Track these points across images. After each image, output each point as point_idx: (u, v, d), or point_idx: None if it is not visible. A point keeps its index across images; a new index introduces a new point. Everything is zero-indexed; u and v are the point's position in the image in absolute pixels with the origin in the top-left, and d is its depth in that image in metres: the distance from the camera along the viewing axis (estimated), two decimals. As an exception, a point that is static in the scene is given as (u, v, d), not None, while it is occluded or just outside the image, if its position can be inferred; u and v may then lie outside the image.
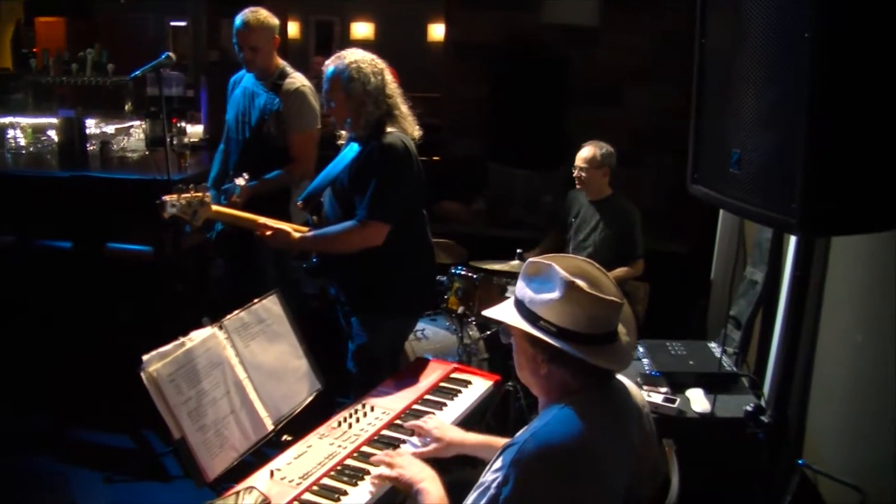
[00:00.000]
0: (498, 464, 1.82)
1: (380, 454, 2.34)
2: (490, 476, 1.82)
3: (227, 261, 4.57)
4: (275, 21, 4.08)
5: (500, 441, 2.28)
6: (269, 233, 3.24)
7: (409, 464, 2.23)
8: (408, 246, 3.28)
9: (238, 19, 4.00)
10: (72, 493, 3.75)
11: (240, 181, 3.71)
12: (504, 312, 1.99)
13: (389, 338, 3.41)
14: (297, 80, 4.10)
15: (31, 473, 3.90)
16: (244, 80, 4.23)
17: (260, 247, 3.52)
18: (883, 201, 2.05)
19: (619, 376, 2.03)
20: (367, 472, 2.32)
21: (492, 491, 1.79)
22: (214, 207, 3.29)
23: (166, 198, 3.12)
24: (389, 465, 2.24)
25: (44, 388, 4.60)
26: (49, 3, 9.00)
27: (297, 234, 3.25)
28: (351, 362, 3.35)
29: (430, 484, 2.12)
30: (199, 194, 3.19)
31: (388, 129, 3.17)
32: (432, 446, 2.42)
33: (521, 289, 1.96)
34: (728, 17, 2.28)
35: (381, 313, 3.31)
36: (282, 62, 4.16)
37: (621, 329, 1.96)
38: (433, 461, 2.34)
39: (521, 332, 1.93)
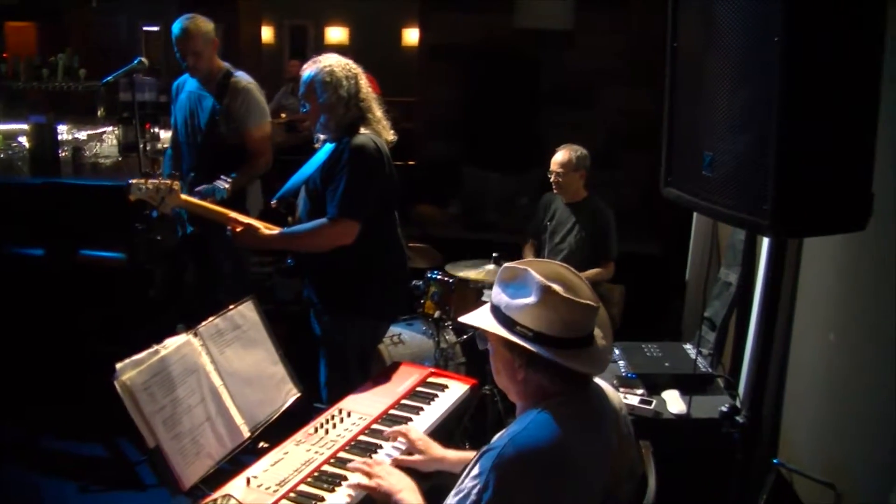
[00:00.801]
0: (476, 469, 1.82)
1: (358, 461, 2.32)
2: (469, 482, 1.82)
3: (193, 264, 4.58)
4: (211, 24, 4.13)
5: None
6: (238, 228, 3.26)
7: (387, 473, 2.22)
8: (379, 247, 3.30)
9: (176, 27, 4.06)
10: (45, 503, 3.70)
11: (221, 184, 3.73)
12: (480, 318, 1.99)
13: (359, 339, 3.41)
14: (241, 79, 4.17)
15: (3, 484, 3.85)
16: (188, 85, 4.28)
17: (217, 247, 3.53)
18: (853, 202, 2.07)
19: (596, 379, 2.04)
20: (345, 478, 2.31)
21: (472, 497, 1.78)
22: (184, 197, 3.34)
23: (134, 181, 3.21)
24: (367, 475, 2.23)
25: (15, 396, 4.54)
26: (19, 8, 8.89)
27: (266, 231, 3.27)
28: (321, 363, 3.36)
29: (408, 494, 2.12)
30: (168, 182, 3.26)
31: (361, 131, 3.21)
32: (416, 457, 2.41)
33: (497, 294, 1.96)
34: (699, 21, 2.30)
35: (351, 313, 3.32)
36: (224, 63, 4.22)
37: (597, 333, 1.97)
38: (411, 471, 2.33)
39: (498, 338, 1.93)
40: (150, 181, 3.22)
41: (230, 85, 4.12)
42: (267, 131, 4.24)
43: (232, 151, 4.10)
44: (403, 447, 2.48)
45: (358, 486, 2.24)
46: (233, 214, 3.31)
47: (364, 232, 3.18)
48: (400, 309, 3.67)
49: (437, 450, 2.42)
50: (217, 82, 4.14)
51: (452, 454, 2.41)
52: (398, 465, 2.38)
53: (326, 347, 3.35)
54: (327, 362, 3.36)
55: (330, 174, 3.18)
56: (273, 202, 3.45)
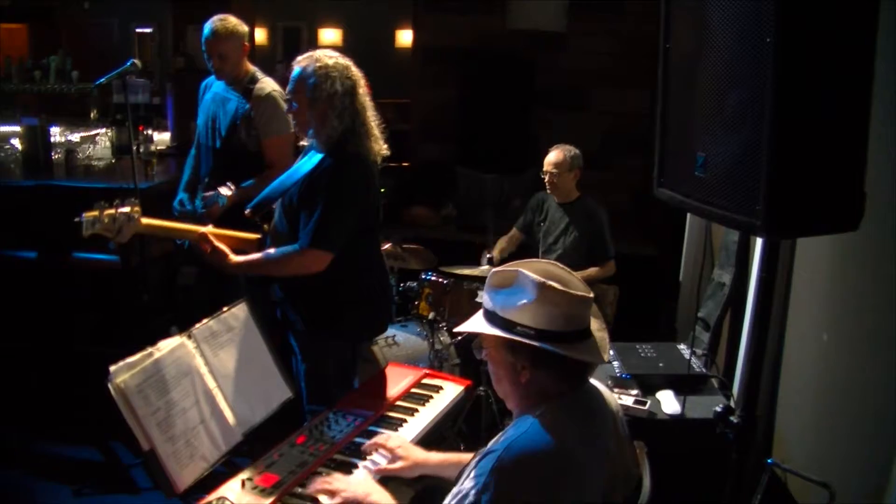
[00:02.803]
0: (476, 471, 1.82)
1: (316, 484, 2.26)
2: (468, 483, 1.82)
3: (200, 267, 4.54)
4: (244, 28, 4.03)
5: (464, 457, 2.26)
6: (208, 250, 3.09)
7: (353, 482, 2.23)
8: (357, 269, 3.13)
9: (206, 28, 3.95)
10: (39, 506, 3.70)
11: (225, 191, 3.68)
12: (478, 325, 1.97)
13: (338, 359, 3.24)
14: (267, 85, 4.06)
15: (-3, 487, 3.85)
16: (215, 86, 4.18)
17: None
18: (845, 202, 2.08)
19: (594, 381, 2.04)
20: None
21: (471, 498, 1.78)
22: (145, 221, 3.04)
23: (86, 215, 2.88)
24: (330, 487, 2.21)
25: (9, 400, 4.53)
26: (11, 10, 8.85)
27: (234, 258, 3.08)
28: (301, 384, 3.19)
29: (378, 496, 2.13)
30: (127, 209, 2.96)
31: (350, 149, 3.00)
32: (398, 464, 2.38)
33: (491, 299, 1.95)
34: (692, 22, 2.30)
35: (328, 335, 3.17)
36: (252, 67, 4.11)
37: (594, 324, 1.98)
38: (397, 479, 2.33)
39: (501, 341, 1.91)
40: (105, 213, 2.91)
41: (254, 91, 4.00)
42: (287, 142, 4.01)
43: (249, 159, 3.99)
44: (388, 457, 2.43)
45: (323, 491, 2.22)
46: (202, 230, 3.10)
47: (343, 254, 3.01)
48: (381, 327, 3.48)
49: (419, 454, 2.40)
50: (242, 87, 4.03)
51: (435, 457, 2.39)
52: (380, 473, 2.37)
53: (305, 368, 3.20)
54: (306, 383, 3.19)
55: (307, 196, 3.00)
56: (247, 211, 3.22)
